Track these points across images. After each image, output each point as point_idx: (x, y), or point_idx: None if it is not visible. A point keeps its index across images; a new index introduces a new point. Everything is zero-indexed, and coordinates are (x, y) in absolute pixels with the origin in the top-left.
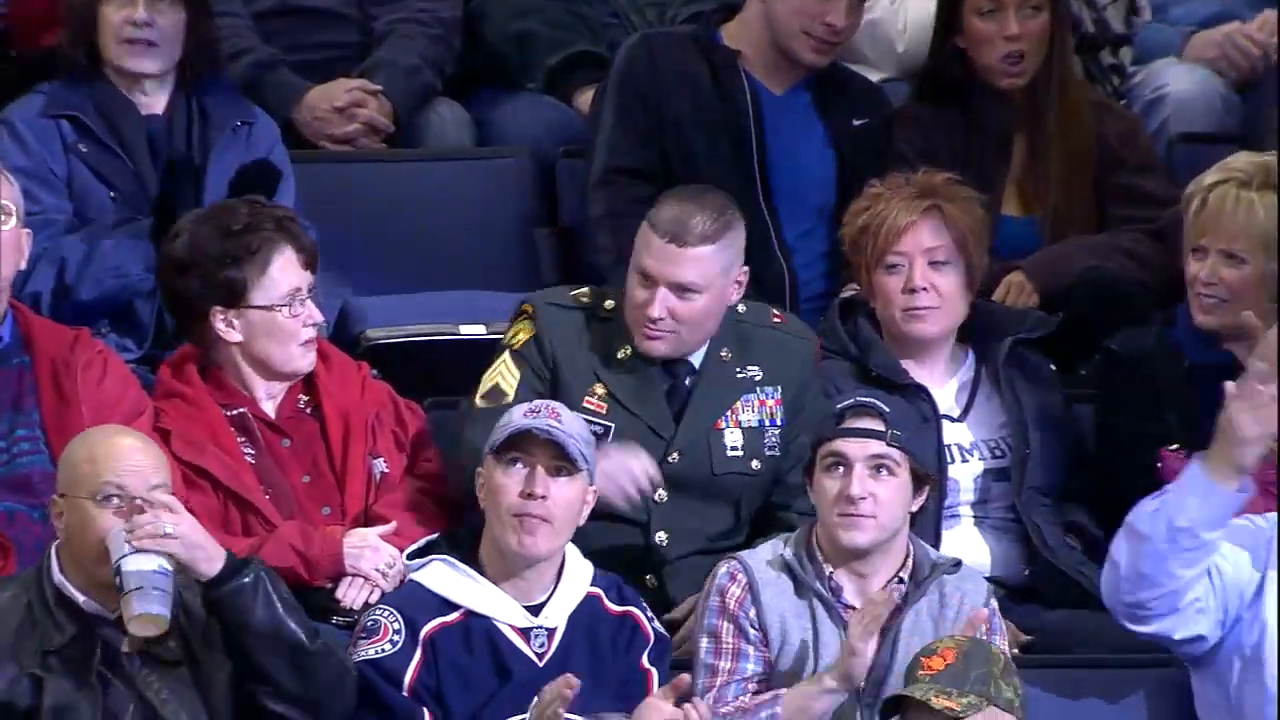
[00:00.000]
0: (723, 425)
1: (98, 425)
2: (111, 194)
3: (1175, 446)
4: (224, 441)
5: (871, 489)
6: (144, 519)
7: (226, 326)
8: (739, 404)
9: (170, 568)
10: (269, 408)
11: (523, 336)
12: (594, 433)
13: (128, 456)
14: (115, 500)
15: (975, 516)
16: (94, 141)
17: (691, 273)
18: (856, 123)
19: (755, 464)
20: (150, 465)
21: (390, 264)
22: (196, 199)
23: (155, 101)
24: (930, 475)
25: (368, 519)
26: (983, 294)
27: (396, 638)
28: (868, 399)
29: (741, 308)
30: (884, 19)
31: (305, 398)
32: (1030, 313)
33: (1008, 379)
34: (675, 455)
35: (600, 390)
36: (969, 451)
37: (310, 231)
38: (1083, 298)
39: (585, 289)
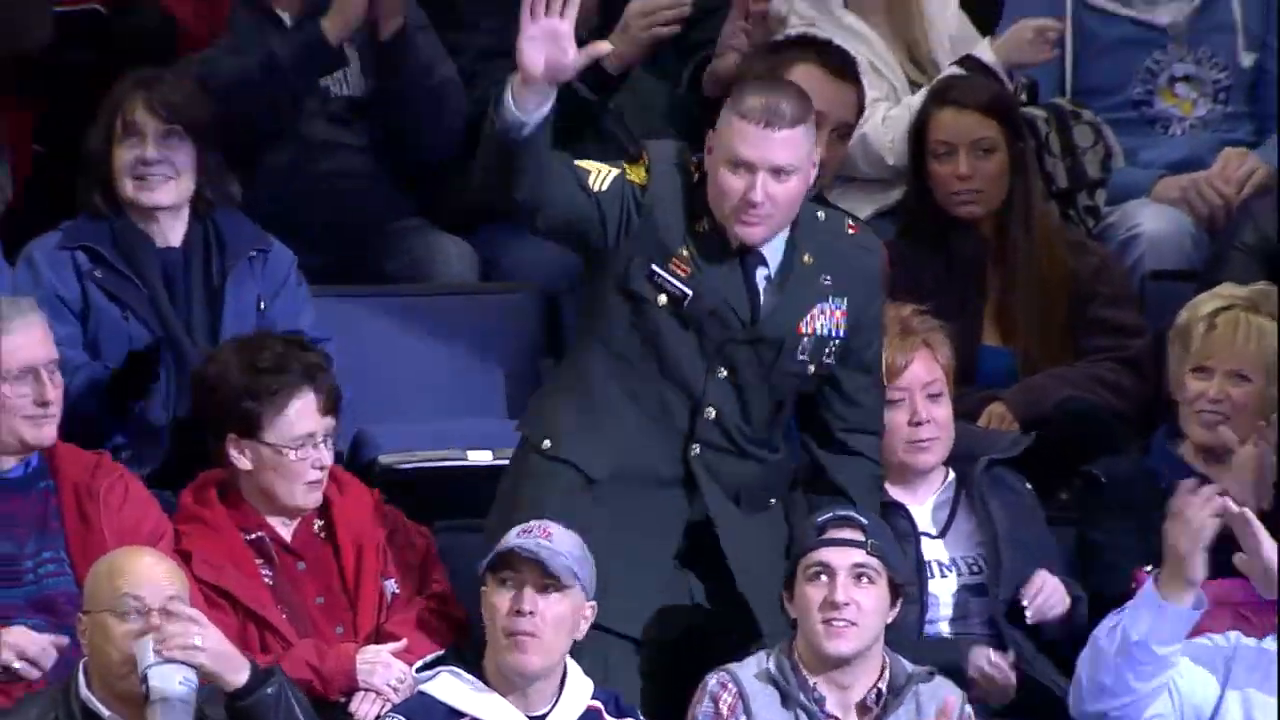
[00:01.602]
0: (802, 330)
1: (120, 547)
2: (125, 315)
3: (1149, 567)
4: (243, 564)
5: (854, 596)
6: (173, 629)
7: (239, 454)
8: (816, 310)
9: (195, 680)
10: (285, 532)
11: (633, 179)
12: (674, 296)
13: (145, 571)
14: (134, 614)
15: (955, 632)
16: (109, 269)
17: (787, 154)
18: None
19: (811, 369)
20: (165, 578)
21: (403, 393)
22: (215, 327)
23: (172, 233)
24: (905, 585)
25: (379, 637)
26: (966, 419)
27: None
28: (847, 511)
29: (821, 214)
30: (874, 135)
31: (320, 522)
32: (1006, 434)
33: (982, 498)
34: (747, 341)
35: (685, 254)
36: (948, 568)
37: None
38: (1061, 427)
39: (695, 157)
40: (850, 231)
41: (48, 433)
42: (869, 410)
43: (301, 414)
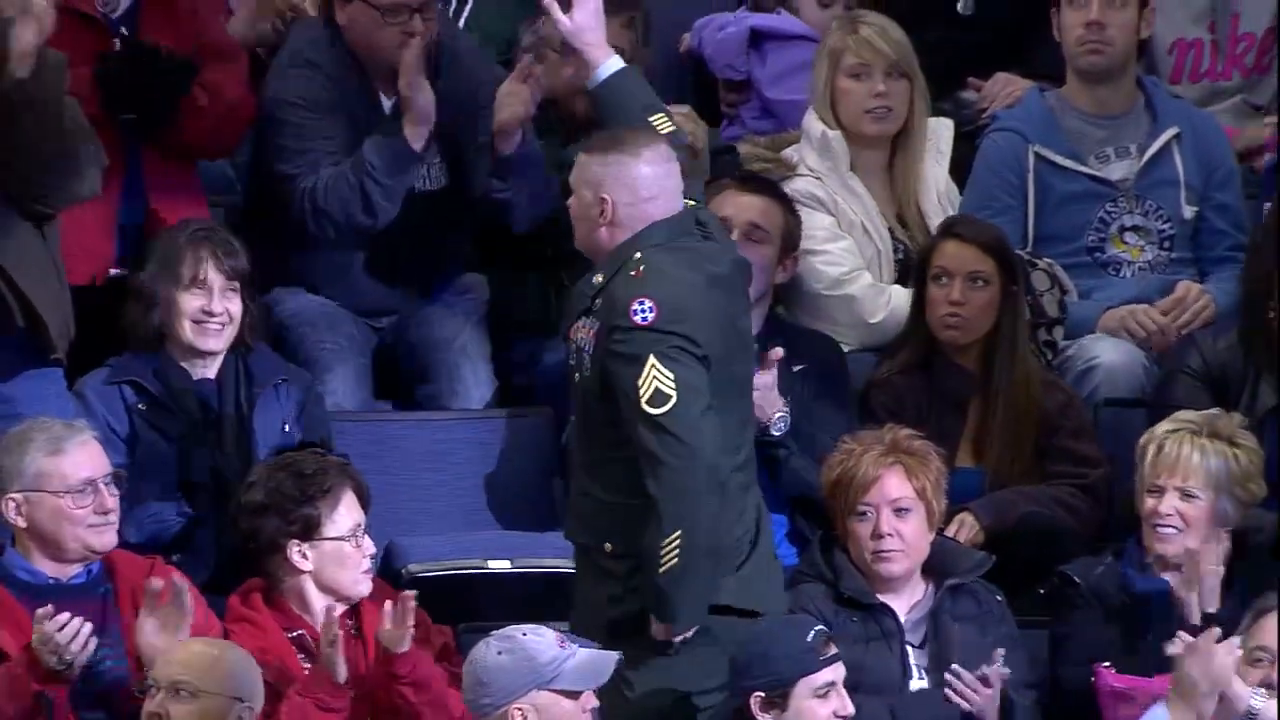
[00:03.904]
0: (571, 336)
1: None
2: (168, 445)
3: (1107, 664)
4: (285, 657)
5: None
6: None
7: (300, 557)
8: (581, 322)
9: None
10: None
11: None
12: None
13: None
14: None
15: None
16: (152, 401)
17: (572, 175)
18: (795, 368)
19: (577, 376)
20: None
21: (428, 508)
22: (245, 452)
23: (209, 367)
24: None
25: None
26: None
27: None
28: (821, 627)
29: (638, 255)
30: (863, 297)
31: (351, 622)
32: (970, 555)
33: (936, 622)
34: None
35: None
36: (927, 669)
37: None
38: (1022, 537)
39: None
40: (633, 274)
41: (109, 539)
42: (643, 431)
43: (350, 507)
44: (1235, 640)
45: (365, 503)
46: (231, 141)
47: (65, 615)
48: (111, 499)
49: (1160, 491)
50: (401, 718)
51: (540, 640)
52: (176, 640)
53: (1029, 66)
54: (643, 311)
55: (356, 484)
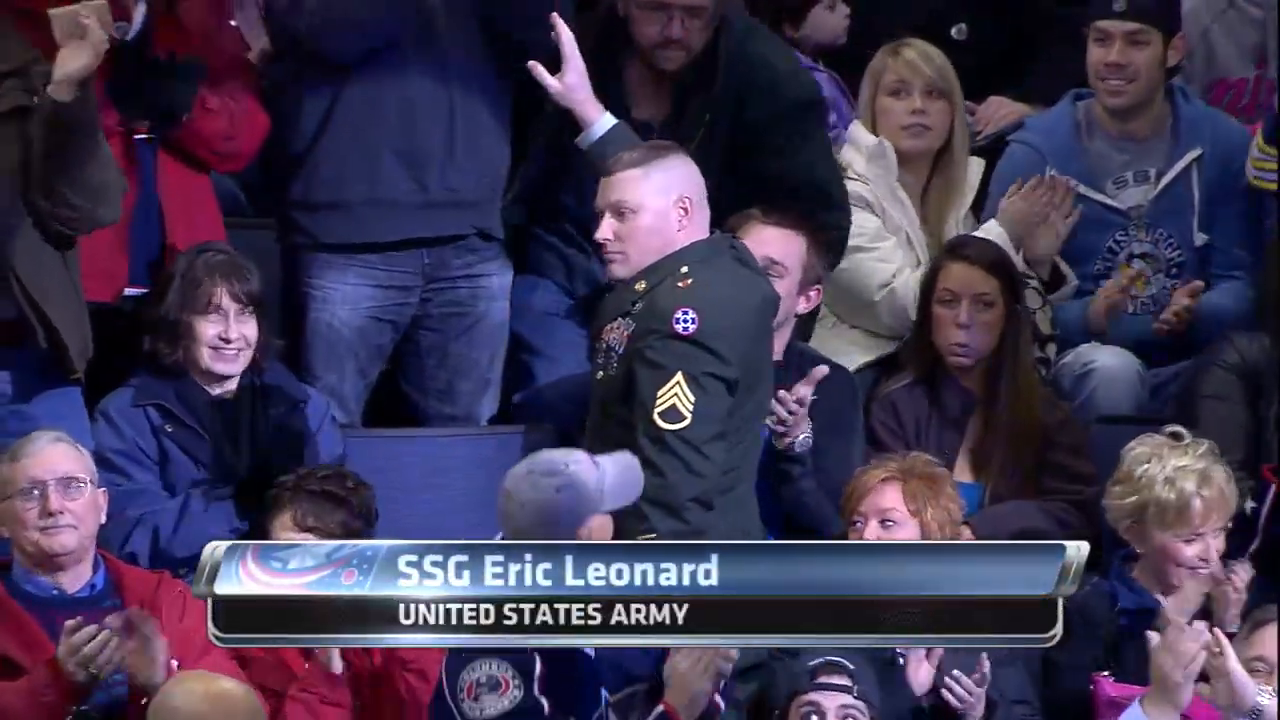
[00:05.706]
0: (602, 336)
1: (182, 664)
2: (197, 466)
3: (1106, 673)
4: (297, 668)
5: None
6: None
7: None
8: (616, 322)
9: None
10: None
11: None
12: None
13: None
14: None
15: None
16: (177, 423)
17: (620, 193)
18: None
19: (600, 374)
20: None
21: (429, 524)
22: (263, 470)
23: (226, 388)
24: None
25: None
26: None
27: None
28: (837, 658)
29: (686, 269)
30: (903, 291)
31: None
32: None
33: None
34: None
35: None
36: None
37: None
38: None
39: None
40: (679, 285)
41: (61, 541)
42: (646, 440)
43: (284, 527)
44: (1201, 626)
45: (310, 529)
46: (246, 147)
47: (94, 627)
48: (60, 500)
49: (1201, 538)
50: (405, 707)
51: (580, 467)
52: (158, 662)
53: (1023, 90)
54: (685, 321)
55: (298, 511)
